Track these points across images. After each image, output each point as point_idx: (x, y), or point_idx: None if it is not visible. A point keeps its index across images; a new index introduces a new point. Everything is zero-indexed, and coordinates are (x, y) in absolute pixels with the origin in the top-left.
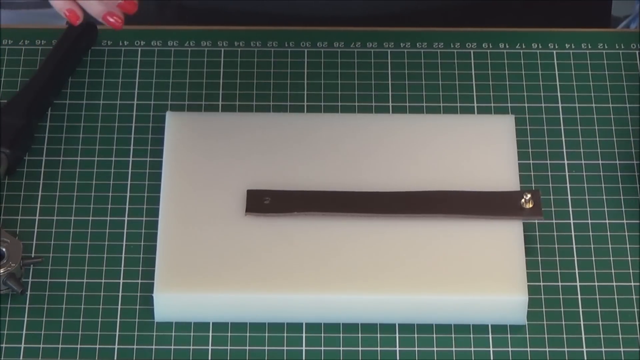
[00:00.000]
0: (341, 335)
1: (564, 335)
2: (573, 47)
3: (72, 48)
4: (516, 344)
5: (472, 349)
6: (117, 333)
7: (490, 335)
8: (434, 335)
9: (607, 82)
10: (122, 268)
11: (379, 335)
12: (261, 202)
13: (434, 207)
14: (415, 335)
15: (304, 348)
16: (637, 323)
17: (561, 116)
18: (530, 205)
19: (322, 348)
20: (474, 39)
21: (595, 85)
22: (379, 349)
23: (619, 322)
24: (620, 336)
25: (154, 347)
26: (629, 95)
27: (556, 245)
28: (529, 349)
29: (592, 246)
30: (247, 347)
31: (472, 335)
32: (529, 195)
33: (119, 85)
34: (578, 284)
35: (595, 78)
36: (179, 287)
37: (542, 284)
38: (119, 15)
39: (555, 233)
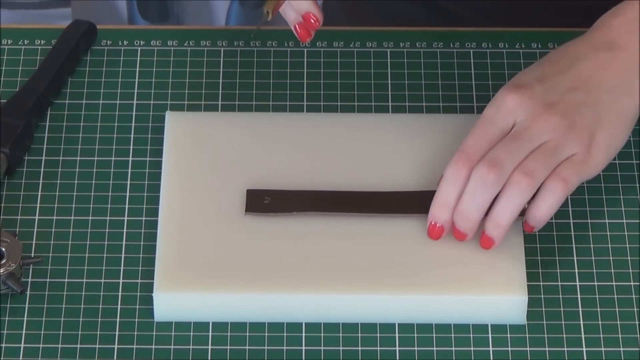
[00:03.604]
0: (341, 335)
1: (564, 335)
2: None
3: (72, 48)
4: (516, 344)
5: (472, 348)
6: (117, 333)
7: (490, 335)
8: (434, 335)
9: None
10: (122, 268)
11: (378, 335)
12: (261, 201)
13: None
14: (415, 335)
15: (303, 348)
16: (637, 323)
17: None
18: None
19: (322, 348)
20: (473, 39)
21: None
22: (378, 348)
23: (619, 322)
24: (620, 336)
25: (153, 346)
26: None
27: (556, 245)
28: (528, 349)
29: (592, 246)
30: (247, 347)
31: (472, 335)
32: None
33: (119, 85)
34: (578, 283)
35: None
36: (178, 287)
37: (542, 283)
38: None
39: (555, 233)
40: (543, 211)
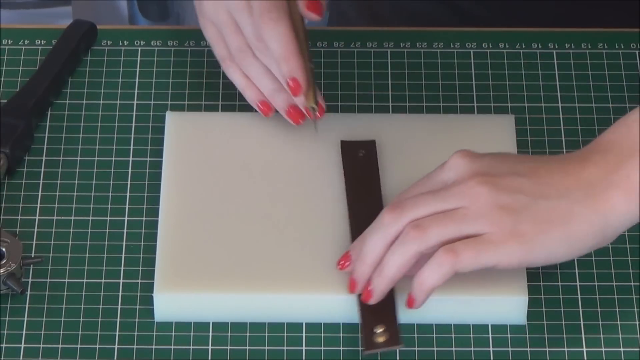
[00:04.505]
0: (341, 335)
1: (564, 335)
2: (573, 47)
3: (72, 48)
4: (516, 344)
5: (472, 349)
6: (117, 333)
7: (490, 335)
8: (434, 335)
9: (607, 82)
10: (122, 268)
11: None
12: (357, 153)
13: None
14: (416, 335)
15: (304, 348)
16: (637, 323)
17: (561, 116)
18: (384, 339)
19: (322, 348)
20: (474, 39)
21: (595, 85)
22: None
23: (619, 322)
24: (620, 336)
25: (154, 347)
26: (629, 95)
27: None
28: (529, 349)
29: None
30: (247, 347)
31: (472, 335)
32: (381, 329)
33: (119, 85)
34: (578, 284)
35: (595, 78)
36: (179, 287)
37: (542, 284)
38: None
39: None
40: (424, 279)
